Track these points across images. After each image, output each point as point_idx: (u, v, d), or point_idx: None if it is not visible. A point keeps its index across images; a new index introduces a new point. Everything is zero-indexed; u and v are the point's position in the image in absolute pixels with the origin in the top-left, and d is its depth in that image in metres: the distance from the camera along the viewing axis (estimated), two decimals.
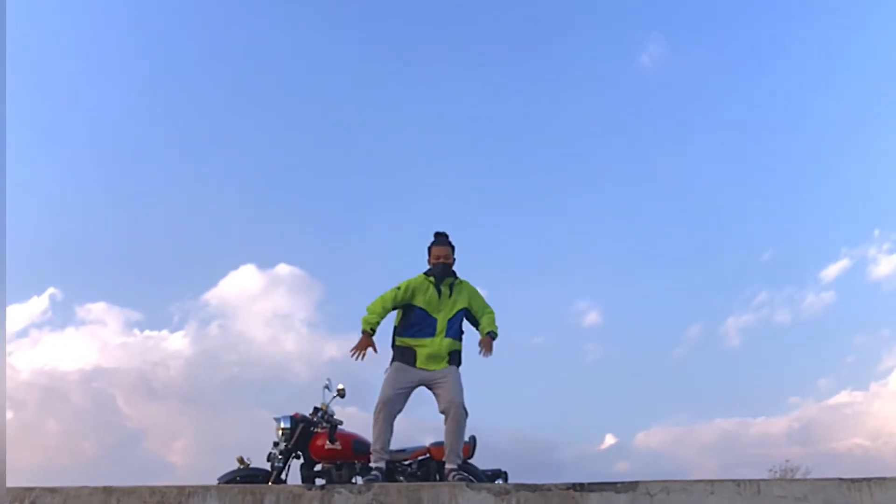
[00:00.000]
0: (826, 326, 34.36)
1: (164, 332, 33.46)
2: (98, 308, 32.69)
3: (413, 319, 5.77)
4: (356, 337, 5.63)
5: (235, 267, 34.31)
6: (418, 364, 5.61)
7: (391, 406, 5.50)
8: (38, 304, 31.87)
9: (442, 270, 5.84)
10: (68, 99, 34.57)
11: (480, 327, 5.84)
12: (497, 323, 5.89)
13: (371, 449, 5.52)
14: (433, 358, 5.62)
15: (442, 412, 5.51)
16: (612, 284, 36.51)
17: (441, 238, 5.99)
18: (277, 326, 35.24)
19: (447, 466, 5.49)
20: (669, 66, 36.15)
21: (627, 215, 36.61)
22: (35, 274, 32.21)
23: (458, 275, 5.92)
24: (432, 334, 5.68)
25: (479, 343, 5.72)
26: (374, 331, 5.63)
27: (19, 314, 31.83)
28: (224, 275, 36.23)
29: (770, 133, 36.64)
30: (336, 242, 35.42)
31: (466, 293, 5.87)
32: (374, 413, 5.50)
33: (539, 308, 35.04)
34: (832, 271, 34.79)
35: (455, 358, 5.73)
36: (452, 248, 5.97)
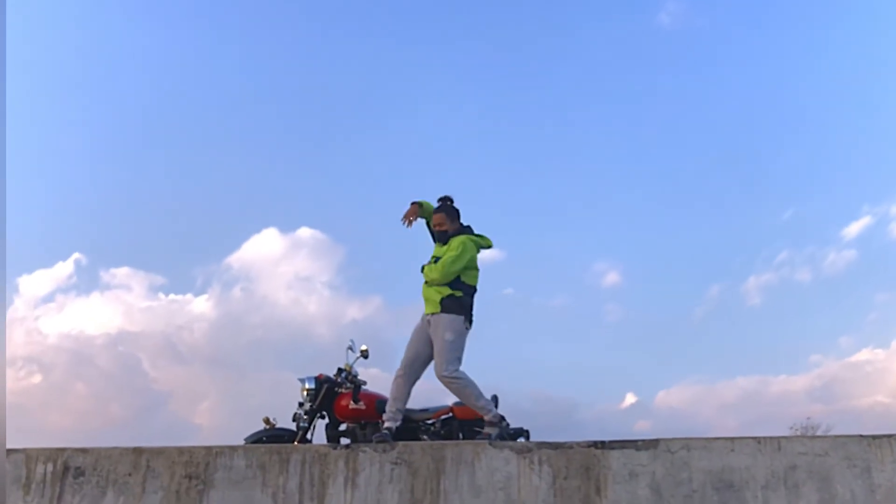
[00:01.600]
0: (848, 284, 34.37)
1: (189, 296, 34.00)
2: (122, 273, 33.21)
3: None
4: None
5: (258, 230, 34.68)
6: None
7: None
8: (63, 270, 32.41)
9: (439, 236, 5.83)
10: (95, 67, 34.75)
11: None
12: (442, 271, 5.57)
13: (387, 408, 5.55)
14: (426, 301, 5.66)
15: None
16: (631, 245, 36.58)
17: (439, 205, 5.89)
18: (299, 289, 35.63)
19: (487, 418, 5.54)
20: (688, 23, 35.70)
21: (647, 176, 36.46)
22: (60, 240, 32.71)
23: (466, 231, 5.83)
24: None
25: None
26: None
27: (45, 279, 32.37)
28: (246, 238, 36.67)
29: (791, 91, 36.24)
30: (357, 206, 35.58)
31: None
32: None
33: (559, 269, 35.19)
34: (854, 229, 34.64)
35: (448, 305, 5.54)
36: (449, 213, 5.83)
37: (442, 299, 5.56)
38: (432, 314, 5.57)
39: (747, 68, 36.67)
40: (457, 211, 5.88)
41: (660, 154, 37.10)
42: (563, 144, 37.51)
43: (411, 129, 36.62)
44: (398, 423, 5.49)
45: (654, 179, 36.88)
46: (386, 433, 5.23)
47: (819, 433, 20.01)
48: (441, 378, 5.41)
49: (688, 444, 4.58)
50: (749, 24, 36.44)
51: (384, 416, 5.53)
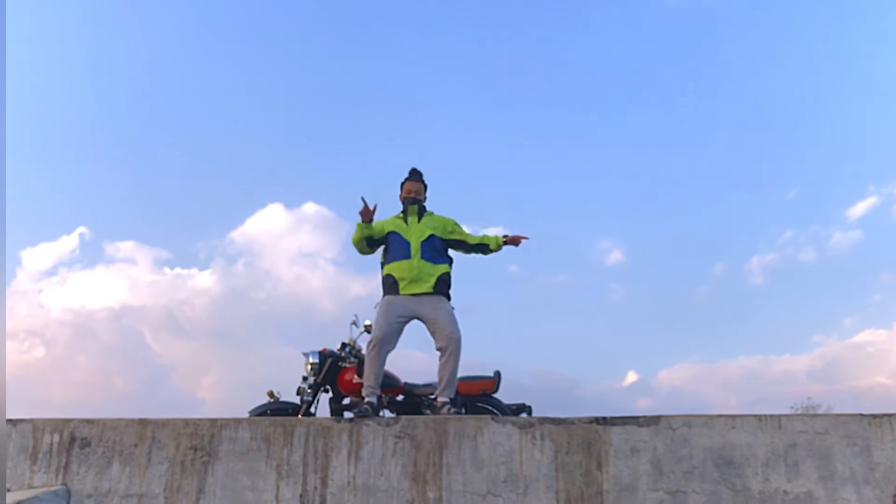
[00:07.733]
0: (852, 265, 34.32)
1: (194, 270, 34.06)
2: (127, 246, 33.28)
3: (390, 246, 5.79)
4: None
5: (263, 206, 34.59)
6: (402, 290, 5.58)
7: (383, 344, 5.50)
8: (67, 243, 32.48)
9: (409, 204, 5.88)
10: (104, 42, 34.58)
11: (490, 239, 5.87)
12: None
13: (364, 384, 5.52)
14: (414, 282, 5.59)
15: (439, 349, 5.50)
16: (635, 223, 36.54)
17: (414, 174, 5.98)
18: (304, 265, 35.74)
19: (441, 399, 5.52)
20: (694, 1, 35.43)
21: (651, 154, 36.35)
22: (65, 213, 32.74)
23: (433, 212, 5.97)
24: (407, 256, 5.66)
25: (512, 241, 5.84)
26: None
27: (48, 253, 32.47)
28: (251, 213, 36.62)
29: (796, 69, 35.96)
30: (363, 183, 35.43)
31: (437, 220, 5.89)
32: (368, 350, 5.51)
33: (562, 247, 35.16)
34: (859, 209, 34.53)
35: (441, 286, 5.65)
36: (425, 186, 5.98)
37: (435, 279, 5.65)
38: (423, 293, 5.59)
39: (751, 48, 36.39)
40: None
41: (664, 132, 36.95)
42: (569, 122, 37.35)
43: (416, 104, 36.47)
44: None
45: (658, 158, 36.73)
46: (367, 408, 5.21)
47: (820, 413, 20.10)
48: (458, 341, 5.45)
49: (689, 421, 4.61)
50: (754, 3, 36.11)
51: (363, 391, 5.53)
